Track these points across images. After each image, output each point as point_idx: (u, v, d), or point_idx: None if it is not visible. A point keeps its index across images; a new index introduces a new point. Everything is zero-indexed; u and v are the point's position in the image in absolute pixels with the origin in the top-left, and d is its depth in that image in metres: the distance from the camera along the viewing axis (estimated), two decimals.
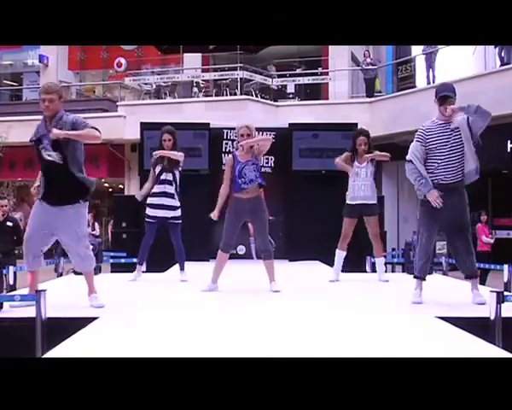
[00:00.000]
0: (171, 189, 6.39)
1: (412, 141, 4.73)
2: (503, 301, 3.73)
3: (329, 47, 17.75)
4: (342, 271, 6.59)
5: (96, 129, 4.34)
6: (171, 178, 6.39)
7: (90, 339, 3.39)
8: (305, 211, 9.10)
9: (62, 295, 5.12)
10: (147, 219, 6.48)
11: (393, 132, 14.32)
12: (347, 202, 6.41)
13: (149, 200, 6.47)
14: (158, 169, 6.42)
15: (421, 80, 15.61)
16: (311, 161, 9.28)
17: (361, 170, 6.36)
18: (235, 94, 15.73)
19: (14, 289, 6.01)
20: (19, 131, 13.52)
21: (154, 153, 6.50)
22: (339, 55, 17.49)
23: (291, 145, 9.44)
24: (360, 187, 6.34)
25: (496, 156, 13.19)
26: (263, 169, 9.56)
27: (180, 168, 6.48)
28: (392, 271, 9.59)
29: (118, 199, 10.81)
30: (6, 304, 4.25)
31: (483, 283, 9.35)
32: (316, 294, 5.55)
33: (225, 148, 9.71)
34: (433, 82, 14.88)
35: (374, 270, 7.02)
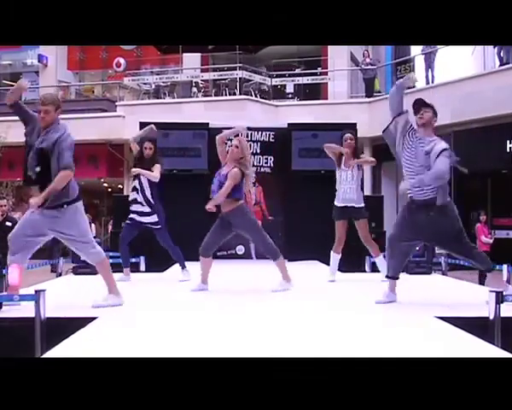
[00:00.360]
0: (139, 196, 6.49)
1: None
2: (502, 301, 3.73)
3: (329, 47, 17.77)
4: (342, 271, 6.59)
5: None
6: (138, 187, 6.49)
7: (89, 339, 3.39)
8: (305, 211, 9.09)
9: (62, 295, 5.12)
10: (126, 221, 6.65)
11: None
12: (335, 202, 6.41)
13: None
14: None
15: (420, 80, 15.61)
16: (310, 160, 9.26)
17: (347, 173, 6.35)
18: (235, 94, 15.73)
19: None
20: (18, 131, 13.29)
21: (132, 170, 6.59)
22: (338, 55, 17.50)
23: (290, 145, 9.43)
24: (346, 190, 6.33)
25: (495, 156, 13.22)
26: (262, 169, 9.66)
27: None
28: None
29: (117, 199, 10.78)
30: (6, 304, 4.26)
31: (483, 283, 9.36)
32: (315, 294, 5.55)
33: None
34: (433, 82, 14.90)
35: (373, 270, 7.02)
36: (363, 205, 6.40)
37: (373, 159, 6.71)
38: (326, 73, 17.81)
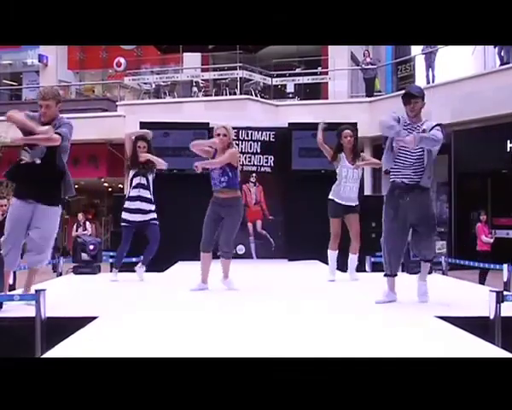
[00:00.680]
0: (146, 193, 6.43)
1: None
2: (502, 301, 3.73)
3: (329, 47, 17.76)
4: (342, 271, 6.59)
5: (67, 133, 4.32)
6: (145, 183, 6.43)
7: (89, 339, 3.39)
8: (305, 210, 9.08)
9: (62, 294, 5.12)
10: (123, 224, 6.50)
11: None
12: (334, 198, 6.34)
13: (126, 204, 6.50)
14: (131, 174, 6.45)
15: (420, 80, 15.60)
16: (310, 160, 9.25)
17: (353, 172, 6.34)
18: (235, 93, 15.74)
19: (14, 289, 6.01)
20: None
21: (142, 155, 6.42)
22: (338, 55, 17.50)
23: (290, 145, 9.43)
24: (350, 188, 6.34)
25: (495, 156, 13.22)
26: (262, 168, 9.66)
27: (153, 173, 6.53)
28: None
29: (117, 199, 10.78)
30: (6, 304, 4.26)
31: (483, 282, 9.37)
32: (315, 293, 5.54)
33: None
34: (433, 81, 14.91)
35: (373, 269, 7.03)
36: (357, 203, 6.45)
37: (379, 161, 6.66)
38: (326, 73, 17.81)
